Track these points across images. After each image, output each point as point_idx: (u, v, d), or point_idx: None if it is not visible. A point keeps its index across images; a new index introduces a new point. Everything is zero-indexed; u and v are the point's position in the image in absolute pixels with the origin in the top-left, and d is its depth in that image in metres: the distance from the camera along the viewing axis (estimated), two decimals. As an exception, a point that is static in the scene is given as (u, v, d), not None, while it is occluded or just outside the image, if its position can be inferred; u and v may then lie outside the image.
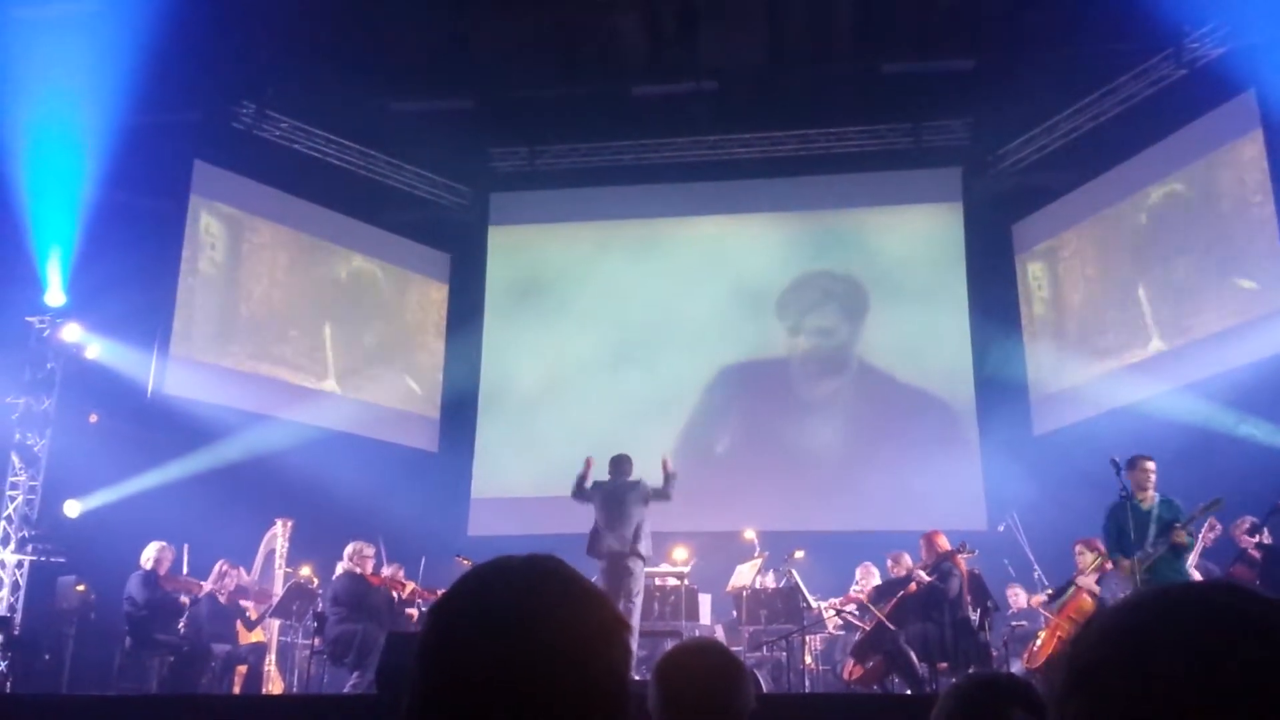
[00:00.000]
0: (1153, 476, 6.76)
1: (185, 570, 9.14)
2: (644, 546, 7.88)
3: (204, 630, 8.60)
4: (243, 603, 8.99)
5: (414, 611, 8.74)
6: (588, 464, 8.21)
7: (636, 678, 6.46)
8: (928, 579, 7.51)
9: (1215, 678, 0.72)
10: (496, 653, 0.97)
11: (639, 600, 7.91)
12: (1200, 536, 7.74)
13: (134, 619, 8.29)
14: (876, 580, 8.98)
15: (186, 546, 8.86)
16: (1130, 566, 6.57)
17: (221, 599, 8.84)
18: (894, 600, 7.76)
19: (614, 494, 7.99)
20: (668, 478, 8.12)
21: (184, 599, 8.62)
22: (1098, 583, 7.55)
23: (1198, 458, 8.62)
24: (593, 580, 1.10)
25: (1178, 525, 6.51)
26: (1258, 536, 7.68)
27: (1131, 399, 10.45)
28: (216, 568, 8.90)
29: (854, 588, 9.44)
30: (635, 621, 7.75)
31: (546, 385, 13.03)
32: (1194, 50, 10.76)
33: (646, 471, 8.41)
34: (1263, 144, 9.72)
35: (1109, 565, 7.50)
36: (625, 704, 1.02)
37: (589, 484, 8.12)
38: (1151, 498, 6.72)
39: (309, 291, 12.64)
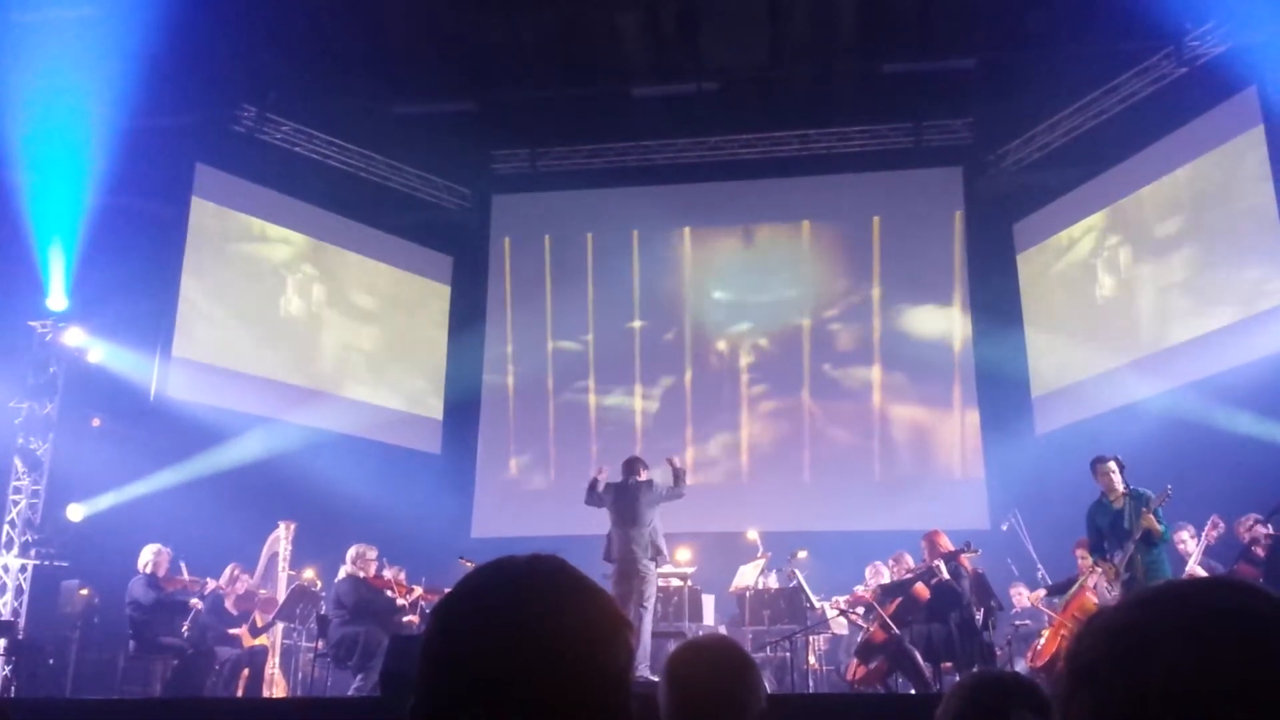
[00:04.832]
0: (1113, 477, 6.81)
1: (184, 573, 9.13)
2: (657, 548, 7.79)
3: (208, 633, 8.60)
4: (245, 612, 8.94)
5: (414, 619, 8.73)
6: (600, 471, 8.18)
7: (653, 677, 6.46)
8: (944, 575, 7.46)
9: (1218, 675, 0.72)
10: (499, 653, 0.98)
11: (650, 604, 7.77)
12: (1204, 535, 7.75)
13: (137, 622, 8.29)
14: (886, 580, 8.97)
15: (184, 565, 8.82)
16: (1110, 568, 6.69)
17: (229, 602, 8.84)
18: (896, 602, 7.74)
19: (625, 495, 7.95)
20: (677, 475, 8.09)
21: (194, 600, 8.61)
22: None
23: (1200, 456, 8.61)
24: (604, 584, 1.10)
25: (1145, 510, 6.59)
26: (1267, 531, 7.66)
27: (1133, 397, 10.45)
28: (228, 571, 8.90)
29: (861, 587, 9.43)
30: (647, 627, 7.64)
31: (549, 385, 13.05)
32: (1194, 48, 10.75)
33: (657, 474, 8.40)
34: (1264, 141, 9.72)
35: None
36: (627, 703, 1.02)
37: (600, 488, 8.08)
38: (1121, 497, 6.77)
39: (310, 294, 12.64)
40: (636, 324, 13.00)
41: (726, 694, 1.91)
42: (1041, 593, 8.48)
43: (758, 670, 2.01)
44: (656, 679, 1.99)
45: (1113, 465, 6.84)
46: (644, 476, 8.07)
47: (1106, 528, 6.83)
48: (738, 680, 1.93)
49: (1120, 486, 6.79)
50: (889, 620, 7.55)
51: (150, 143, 10.86)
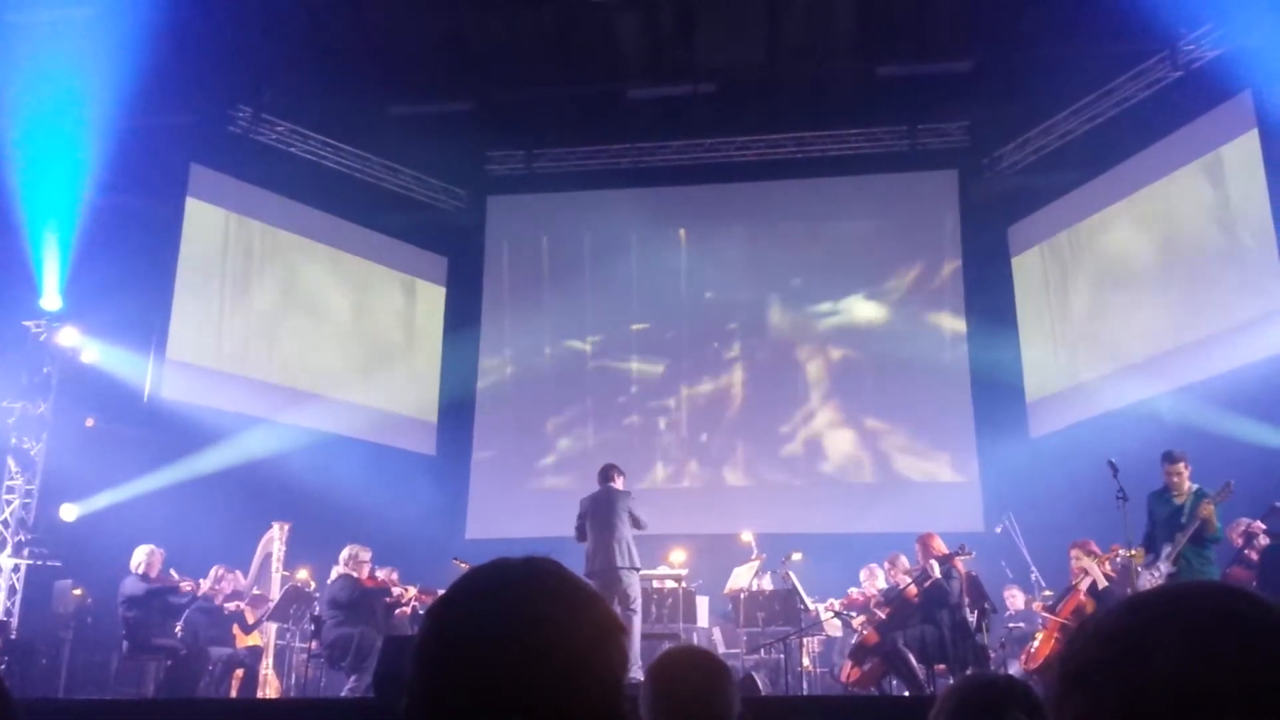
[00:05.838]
0: (1176, 478, 6.85)
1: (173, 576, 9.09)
2: (633, 558, 7.74)
3: (201, 634, 8.58)
4: (230, 606, 8.90)
5: (407, 610, 8.72)
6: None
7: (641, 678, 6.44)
8: (936, 575, 7.47)
9: (1211, 678, 0.72)
10: (493, 655, 0.97)
11: (638, 606, 7.81)
12: None
13: (130, 622, 8.27)
14: (881, 582, 8.98)
15: (173, 571, 8.79)
16: (1129, 554, 6.71)
17: (217, 603, 8.81)
18: (890, 607, 7.75)
19: (603, 503, 7.91)
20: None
21: (180, 599, 8.58)
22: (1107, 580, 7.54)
23: (1194, 460, 8.61)
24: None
25: (1206, 499, 6.61)
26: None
27: (1128, 401, 10.46)
28: (213, 572, 8.87)
29: (855, 590, 9.44)
30: (636, 629, 7.66)
31: (544, 387, 13.04)
32: (1190, 52, 10.78)
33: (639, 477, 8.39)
34: (1259, 144, 9.74)
35: (1107, 566, 7.50)
36: (621, 705, 1.02)
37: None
38: (1186, 493, 6.81)
39: (305, 295, 12.63)
40: (635, 326, 12.99)
41: (708, 696, 2.05)
42: (1042, 602, 8.46)
43: (733, 677, 2.18)
44: (650, 681, 2.09)
45: (1175, 467, 6.85)
46: (618, 484, 8.05)
47: (1161, 519, 6.84)
48: (714, 684, 2.08)
49: (1187, 486, 6.82)
50: (884, 623, 7.56)
51: (145, 143, 10.84)
